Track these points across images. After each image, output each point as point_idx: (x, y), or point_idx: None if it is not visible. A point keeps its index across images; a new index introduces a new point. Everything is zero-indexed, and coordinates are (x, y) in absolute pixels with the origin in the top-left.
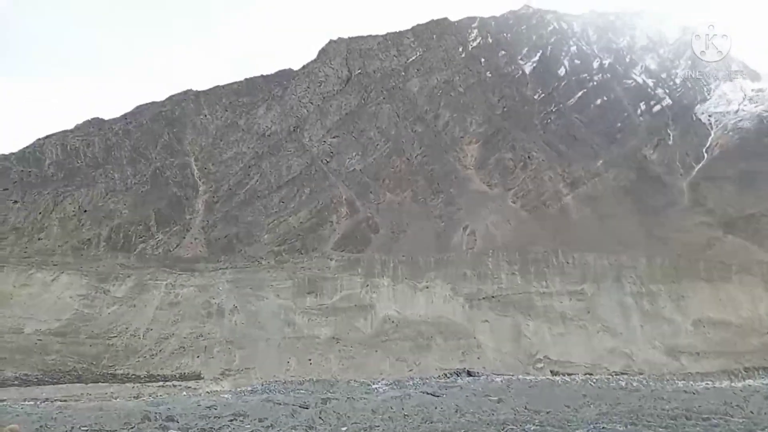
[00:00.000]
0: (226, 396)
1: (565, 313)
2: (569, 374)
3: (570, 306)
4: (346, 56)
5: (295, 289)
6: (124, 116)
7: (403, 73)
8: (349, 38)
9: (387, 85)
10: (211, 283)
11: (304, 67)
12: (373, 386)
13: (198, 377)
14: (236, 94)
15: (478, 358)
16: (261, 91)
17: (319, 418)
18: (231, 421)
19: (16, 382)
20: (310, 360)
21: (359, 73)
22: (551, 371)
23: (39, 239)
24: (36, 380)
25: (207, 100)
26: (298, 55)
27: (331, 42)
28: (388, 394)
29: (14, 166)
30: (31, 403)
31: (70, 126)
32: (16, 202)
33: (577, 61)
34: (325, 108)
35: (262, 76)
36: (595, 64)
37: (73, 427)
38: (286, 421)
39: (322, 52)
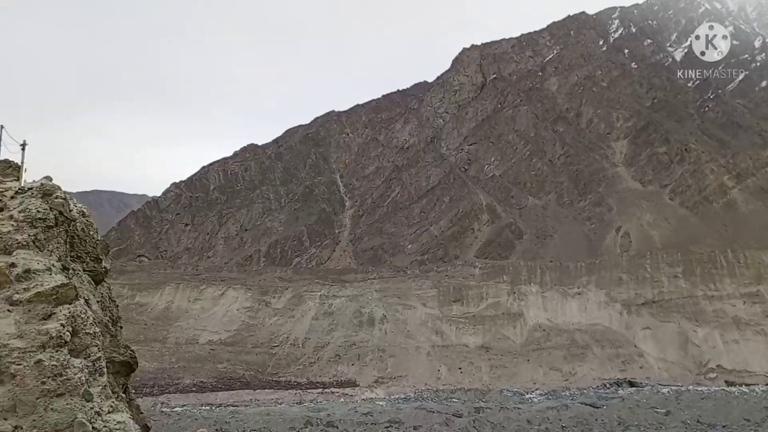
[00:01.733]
0: (380, 403)
1: (739, 318)
2: (747, 385)
3: (744, 310)
4: (480, 62)
5: (441, 297)
6: (275, 140)
7: (540, 74)
8: (482, 44)
9: (524, 87)
10: (361, 293)
11: (438, 77)
12: (527, 396)
13: (354, 384)
14: (375, 111)
15: (641, 368)
16: (398, 105)
17: (473, 427)
18: (387, 428)
19: (193, 389)
20: (460, 369)
21: (494, 77)
22: (726, 381)
23: (208, 257)
24: (210, 386)
25: (348, 119)
26: (433, 66)
27: (464, 50)
28: (543, 404)
29: (184, 193)
30: (208, 407)
31: (229, 153)
32: (187, 225)
33: (735, 42)
34: (461, 116)
35: (398, 90)
36: (757, 44)
37: (244, 430)
38: (440, 429)
39: (456, 60)
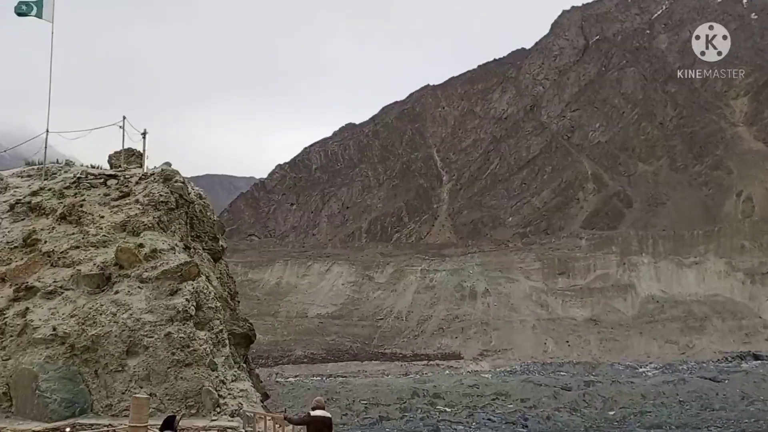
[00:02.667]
0: (486, 375)
1: None
2: None
3: None
4: (581, 24)
5: (545, 270)
6: (372, 118)
7: (648, 32)
8: (584, 5)
9: (630, 47)
10: (461, 267)
11: (536, 43)
12: (640, 369)
13: (458, 357)
14: (470, 82)
15: (767, 340)
16: (495, 75)
17: (583, 400)
18: (493, 400)
19: (305, 360)
20: (567, 342)
21: (597, 39)
22: None
23: (313, 235)
24: (320, 358)
25: (444, 92)
26: (531, 31)
27: (564, 13)
28: (658, 378)
29: (288, 174)
30: (318, 378)
31: (329, 133)
32: (292, 204)
33: None
34: (562, 82)
35: (494, 60)
36: None
37: (354, 400)
38: (548, 403)
39: (556, 24)
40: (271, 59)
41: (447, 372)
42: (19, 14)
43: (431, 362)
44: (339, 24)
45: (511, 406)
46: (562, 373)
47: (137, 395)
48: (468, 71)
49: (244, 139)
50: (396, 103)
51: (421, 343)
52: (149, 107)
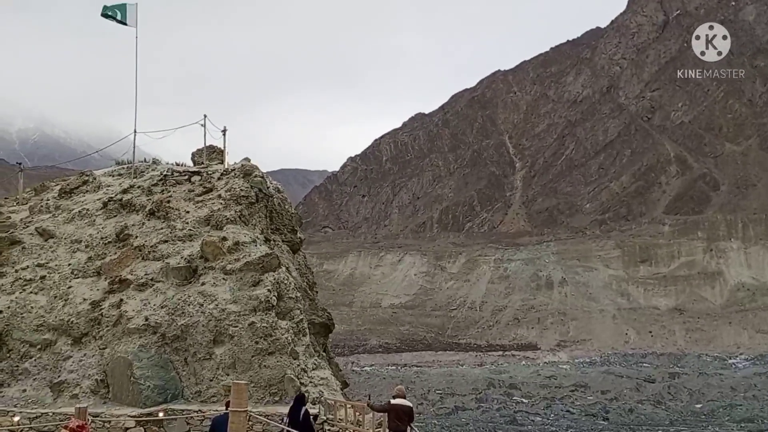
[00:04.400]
0: (564, 366)
1: None
2: None
3: None
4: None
5: (626, 258)
6: (442, 107)
7: (734, 3)
8: None
9: (714, 21)
10: (536, 256)
11: (612, 21)
12: (730, 361)
13: (534, 347)
14: (543, 66)
15: None
16: (568, 57)
17: (668, 393)
18: (572, 391)
19: (379, 350)
20: (650, 332)
21: (678, 14)
22: None
23: (384, 225)
24: (395, 348)
25: (515, 77)
26: (606, 10)
27: None
28: (749, 370)
29: (360, 166)
30: (393, 367)
31: (399, 124)
32: (364, 196)
33: None
34: (641, 60)
35: (568, 41)
36: None
37: (429, 390)
38: (630, 395)
39: (633, 0)
40: (340, 52)
41: (523, 362)
42: (105, 16)
43: (507, 352)
44: (407, 13)
45: (591, 398)
46: (644, 364)
47: (237, 381)
48: (540, 54)
49: (317, 133)
50: (466, 90)
51: (495, 334)
52: (225, 103)
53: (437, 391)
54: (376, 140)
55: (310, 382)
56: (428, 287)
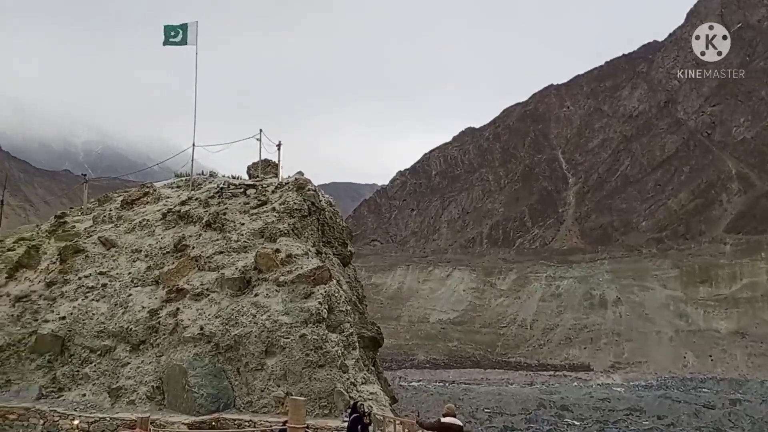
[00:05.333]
0: (618, 389)
1: None
2: None
3: None
4: (720, 12)
5: (684, 278)
6: (493, 121)
7: None
8: None
9: None
10: (590, 274)
11: (670, 35)
12: None
13: (587, 368)
14: (597, 80)
15: None
16: (624, 71)
17: (729, 420)
18: (627, 415)
19: (427, 365)
20: (710, 356)
21: (739, 27)
22: None
23: (433, 240)
24: (443, 364)
25: (568, 91)
26: (663, 23)
27: (700, 1)
28: None
29: (409, 180)
30: (441, 383)
31: (449, 138)
32: (413, 210)
33: None
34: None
35: (623, 55)
36: None
37: (477, 408)
38: (688, 421)
39: (692, 13)
40: (392, 66)
41: (575, 384)
42: (167, 43)
43: (558, 373)
44: (459, 28)
45: (647, 422)
46: (703, 389)
47: (294, 397)
48: (594, 68)
49: (367, 147)
50: (517, 104)
51: (546, 353)
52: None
53: (486, 410)
54: (425, 154)
55: (359, 396)
56: (477, 303)
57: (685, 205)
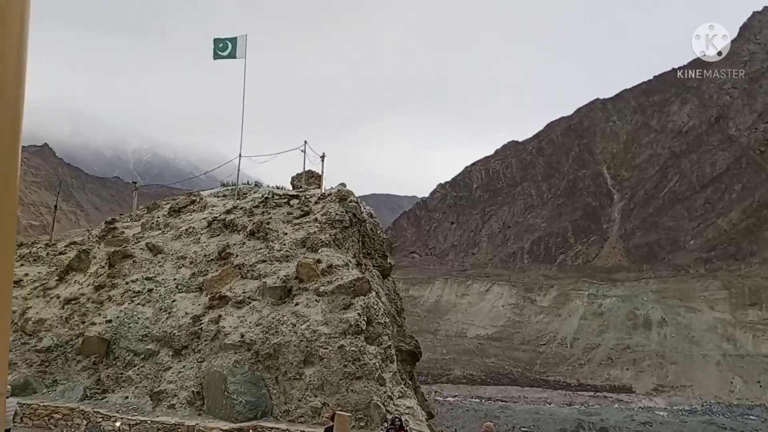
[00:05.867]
0: (661, 413)
1: None
2: None
3: None
4: None
5: (733, 300)
6: (536, 135)
7: None
8: None
9: None
10: (634, 293)
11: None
12: None
13: (629, 390)
14: (645, 94)
15: None
16: (673, 85)
17: None
18: None
19: (463, 381)
20: (759, 382)
21: None
22: None
23: (472, 254)
24: (480, 380)
25: (615, 106)
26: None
27: (755, 14)
28: None
29: (449, 192)
30: (477, 400)
31: (491, 151)
32: (452, 223)
33: None
34: (754, 90)
35: (673, 69)
36: None
37: (514, 427)
38: None
39: (745, 27)
40: (433, 78)
41: (616, 406)
42: (218, 57)
43: (598, 394)
44: (504, 41)
45: None
46: (751, 417)
47: (340, 411)
48: (642, 83)
49: (407, 159)
50: (562, 118)
51: (587, 373)
52: (319, 127)
53: (522, 429)
54: (467, 167)
55: (396, 410)
56: (516, 320)
57: (735, 224)
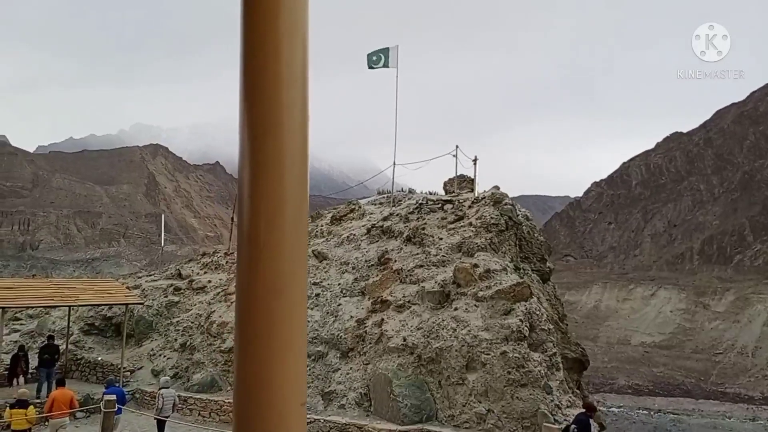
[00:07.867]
0: None
1: None
2: None
3: None
4: None
5: None
6: (703, 125)
7: None
8: None
9: None
10: None
11: None
12: None
13: None
14: None
15: None
16: None
17: None
18: None
19: (629, 391)
20: None
21: None
22: None
23: (634, 256)
24: (647, 390)
25: None
26: None
27: None
28: None
29: (605, 191)
30: (645, 412)
31: (651, 145)
32: (610, 223)
33: None
34: None
35: None
36: None
37: None
38: None
39: None
40: (582, 69)
41: None
42: (371, 68)
43: None
44: (662, 25)
45: None
46: None
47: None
48: None
49: (557, 158)
50: (733, 105)
51: None
52: (473, 133)
53: None
54: (624, 163)
55: (565, 419)
56: (687, 326)
57: None
